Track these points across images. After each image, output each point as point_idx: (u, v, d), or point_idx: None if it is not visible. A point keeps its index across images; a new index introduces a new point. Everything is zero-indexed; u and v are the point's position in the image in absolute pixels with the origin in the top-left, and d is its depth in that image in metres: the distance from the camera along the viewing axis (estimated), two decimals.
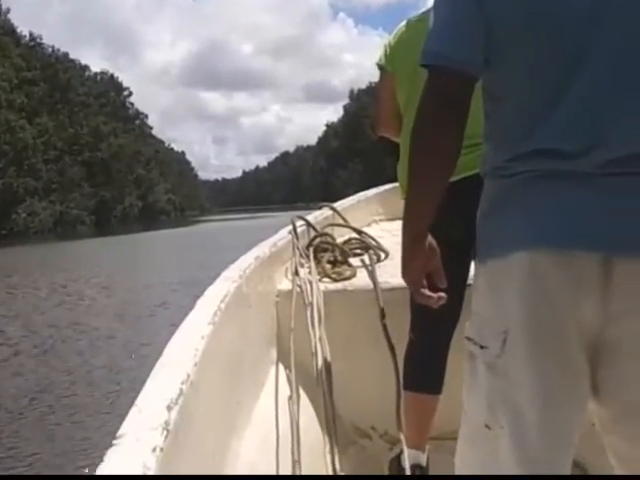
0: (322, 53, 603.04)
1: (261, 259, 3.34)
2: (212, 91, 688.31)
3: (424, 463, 2.88)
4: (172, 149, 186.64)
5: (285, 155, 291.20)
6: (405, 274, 1.86)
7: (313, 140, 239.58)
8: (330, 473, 2.34)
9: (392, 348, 2.99)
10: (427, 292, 1.85)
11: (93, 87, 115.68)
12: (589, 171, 1.53)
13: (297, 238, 3.98)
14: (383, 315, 3.10)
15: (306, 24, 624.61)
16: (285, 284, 3.56)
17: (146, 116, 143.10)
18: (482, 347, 1.66)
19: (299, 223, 4.28)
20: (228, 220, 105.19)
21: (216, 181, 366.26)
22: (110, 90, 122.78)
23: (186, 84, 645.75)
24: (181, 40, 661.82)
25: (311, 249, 3.91)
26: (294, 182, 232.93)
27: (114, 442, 1.41)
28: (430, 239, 1.84)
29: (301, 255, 3.79)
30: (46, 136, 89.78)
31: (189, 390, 1.73)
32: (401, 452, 2.86)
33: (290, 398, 2.81)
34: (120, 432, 1.46)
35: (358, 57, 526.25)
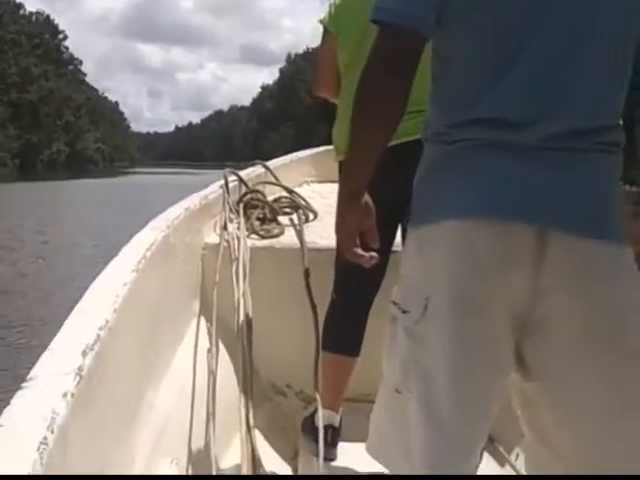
0: (262, 16, 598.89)
1: (190, 211, 3.32)
2: (150, 44, 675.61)
3: (337, 424, 2.92)
4: (105, 98, 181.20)
5: (219, 114, 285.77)
6: (339, 230, 1.82)
7: (247, 101, 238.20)
8: (244, 427, 2.36)
9: (314, 308, 3.01)
10: (359, 251, 1.82)
11: (26, 27, 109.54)
12: (530, 144, 1.53)
13: (228, 193, 3.96)
14: (307, 275, 3.12)
15: None
16: (213, 238, 3.54)
17: (80, 62, 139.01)
18: (404, 312, 1.66)
19: (231, 178, 4.25)
20: (157, 174, 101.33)
21: (148, 134, 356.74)
22: (44, 32, 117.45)
23: (124, 34, 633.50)
24: None
25: (241, 205, 3.89)
26: (226, 141, 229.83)
27: (23, 385, 1.39)
28: (367, 198, 1.82)
29: (231, 210, 3.78)
30: None
31: (106, 336, 1.70)
32: (315, 411, 2.90)
33: (209, 351, 2.82)
34: (30, 375, 1.43)
35: (297, 23, 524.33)
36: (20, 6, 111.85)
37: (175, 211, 3.20)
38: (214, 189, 4.02)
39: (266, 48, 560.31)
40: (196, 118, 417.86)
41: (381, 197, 2.79)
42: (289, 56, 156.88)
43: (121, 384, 1.94)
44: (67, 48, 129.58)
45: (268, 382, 3.48)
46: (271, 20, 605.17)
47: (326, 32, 3.12)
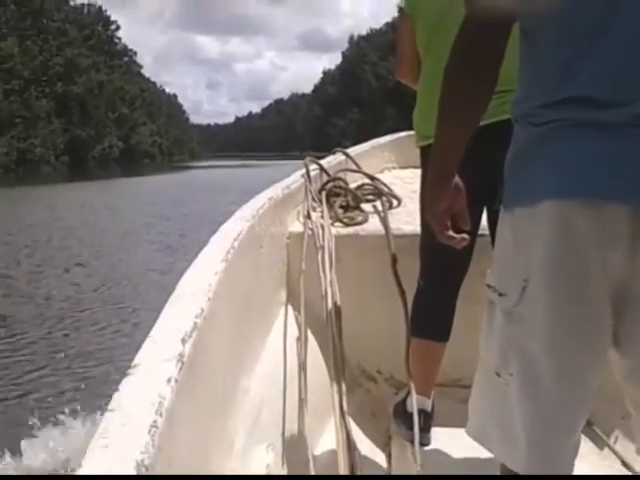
0: (319, 1, 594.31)
1: (274, 200, 3.34)
2: (207, 35, 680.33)
3: (429, 409, 2.90)
4: (163, 90, 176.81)
5: (279, 102, 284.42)
6: (430, 212, 1.83)
7: (307, 89, 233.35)
8: (337, 413, 2.37)
9: (402, 293, 3.01)
10: (450, 232, 1.82)
11: (77, 18, 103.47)
12: (622, 122, 1.48)
13: (310, 182, 3.98)
14: (395, 261, 3.12)
15: None
16: (297, 227, 3.56)
17: (135, 53, 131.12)
18: (501, 295, 1.64)
19: (312, 167, 4.26)
20: (218, 167, 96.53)
21: (208, 126, 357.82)
22: (96, 22, 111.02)
23: (181, 27, 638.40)
24: None
25: (323, 193, 3.91)
26: (287, 130, 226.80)
27: (128, 372, 1.43)
28: (457, 179, 1.82)
29: (313, 199, 3.81)
30: (10, 63, 77.98)
31: (203, 324, 1.74)
32: (407, 396, 2.90)
33: (298, 339, 2.84)
34: (134, 362, 1.47)
35: (355, 7, 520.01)
36: None
37: (259, 201, 3.23)
38: (296, 178, 4.03)
39: (324, 34, 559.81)
40: (256, 108, 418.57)
41: (467, 179, 2.78)
42: (351, 38, 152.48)
43: (217, 370, 1.99)
44: (120, 39, 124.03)
45: (358, 368, 3.49)
46: (328, 5, 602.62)
47: (403, 15, 3.07)
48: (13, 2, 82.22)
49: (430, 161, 1.86)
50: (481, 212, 2.85)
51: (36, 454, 6.28)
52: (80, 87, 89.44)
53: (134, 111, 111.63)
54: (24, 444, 6.42)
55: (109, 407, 1.29)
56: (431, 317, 2.93)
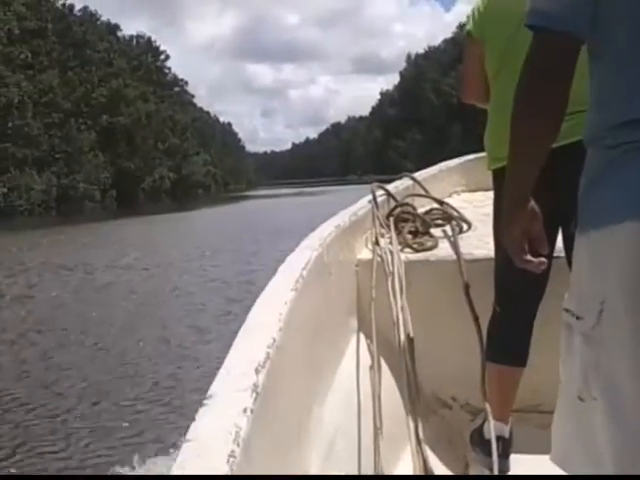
0: (371, 24, 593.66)
1: (341, 228, 3.33)
2: (259, 63, 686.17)
3: (507, 435, 2.86)
4: (217, 120, 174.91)
5: (336, 126, 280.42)
6: (507, 237, 1.83)
7: (363, 112, 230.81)
8: (413, 440, 2.35)
9: (476, 319, 2.97)
10: (528, 257, 1.81)
11: (126, 50, 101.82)
12: None
13: (377, 207, 3.96)
14: (467, 286, 3.09)
15: None
16: (365, 253, 3.55)
17: (186, 83, 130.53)
18: (578, 318, 1.62)
19: (379, 193, 4.25)
20: (275, 197, 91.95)
21: (265, 154, 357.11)
22: (145, 53, 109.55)
23: (233, 57, 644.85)
24: (226, 12, 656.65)
25: (391, 219, 3.90)
26: (346, 154, 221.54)
27: (204, 402, 1.44)
28: (533, 203, 1.82)
29: (381, 225, 3.78)
30: (50, 96, 72.77)
31: (275, 354, 1.74)
32: (484, 423, 2.86)
33: (371, 367, 2.82)
34: (210, 392, 1.48)
35: (408, 28, 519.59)
36: (116, 27, 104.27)
37: (326, 229, 3.23)
38: (363, 204, 4.02)
39: (378, 56, 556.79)
40: (312, 133, 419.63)
41: (541, 201, 2.75)
42: (409, 57, 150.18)
43: (291, 400, 1.99)
44: (170, 69, 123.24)
45: (432, 395, 3.45)
46: (381, 27, 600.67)
47: (470, 39, 3.07)
48: (53, 34, 77.67)
49: (505, 186, 1.85)
50: (556, 234, 2.82)
51: None
52: (127, 118, 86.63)
53: (185, 141, 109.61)
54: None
55: (186, 437, 1.30)
56: (508, 342, 2.90)
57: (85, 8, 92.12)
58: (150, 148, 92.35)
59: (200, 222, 43.05)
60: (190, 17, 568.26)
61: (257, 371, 1.59)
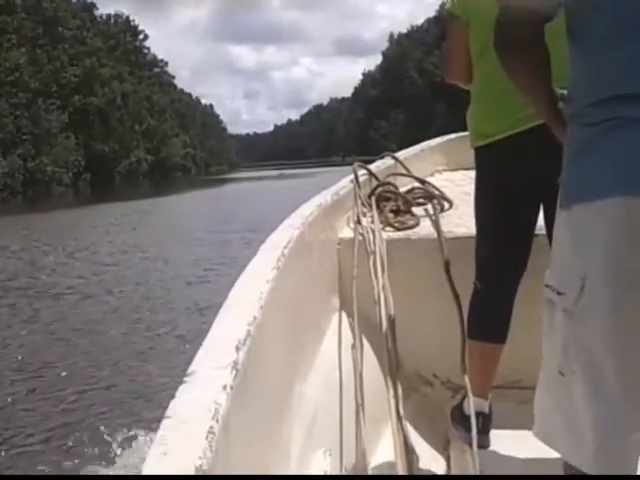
0: (353, 5, 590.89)
1: (323, 207, 3.33)
2: (241, 45, 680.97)
3: (487, 411, 2.88)
4: (198, 101, 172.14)
5: (318, 108, 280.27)
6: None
7: (346, 94, 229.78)
8: (394, 418, 2.36)
9: (457, 296, 2.98)
10: None
11: (102, 29, 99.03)
12: None
13: (359, 187, 3.97)
14: (447, 264, 3.10)
15: None
16: (347, 232, 3.56)
17: (166, 64, 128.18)
18: (559, 293, 1.65)
19: (361, 172, 4.26)
20: (257, 180, 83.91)
21: (247, 136, 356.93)
22: (123, 32, 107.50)
23: (214, 38, 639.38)
24: None
25: (373, 198, 3.91)
26: (328, 136, 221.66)
27: (185, 379, 1.44)
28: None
29: (363, 204, 3.80)
30: (15, 74, 68.39)
31: (256, 331, 1.75)
32: (463, 399, 2.88)
33: (353, 345, 2.83)
34: (190, 370, 1.49)
35: (390, 9, 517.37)
36: (92, 5, 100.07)
37: (308, 208, 3.22)
38: (345, 184, 4.03)
39: (360, 38, 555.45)
40: (295, 115, 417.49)
41: (523, 178, 2.78)
42: (391, 36, 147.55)
43: (272, 377, 1.99)
44: (149, 49, 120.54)
45: (414, 373, 3.48)
46: (363, 8, 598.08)
47: (453, 19, 3.05)
48: (22, 10, 73.94)
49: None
50: (537, 211, 2.84)
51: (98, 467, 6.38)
52: (101, 99, 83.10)
53: (164, 122, 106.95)
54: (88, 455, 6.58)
55: (166, 414, 1.30)
56: (488, 319, 2.92)
57: None
58: (126, 130, 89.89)
59: (176, 210, 37.54)
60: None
61: (237, 348, 1.59)
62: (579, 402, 1.62)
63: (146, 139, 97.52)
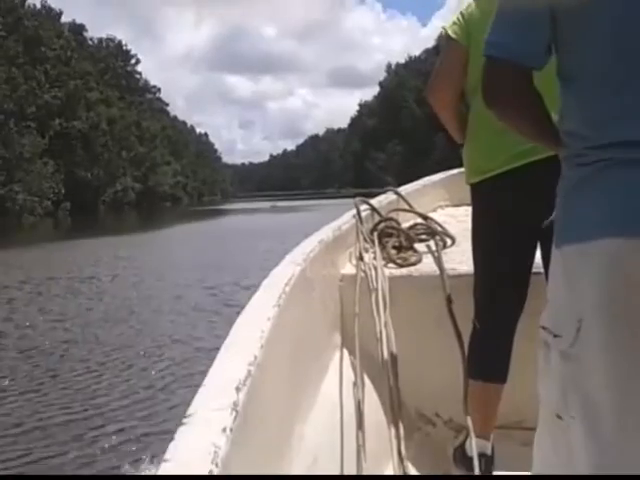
0: (348, 37, 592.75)
1: (325, 243, 3.33)
2: (237, 75, 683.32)
3: (489, 452, 2.86)
4: (192, 129, 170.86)
5: (314, 138, 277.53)
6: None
7: (341, 125, 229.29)
8: (395, 457, 2.34)
9: (459, 335, 2.97)
10: None
11: (93, 52, 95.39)
12: None
13: (361, 222, 3.97)
14: (450, 302, 3.09)
15: (332, 7, 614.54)
16: (349, 269, 3.55)
17: (159, 90, 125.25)
18: (556, 336, 1.63)
19: (363, 207, 4.26)
20: (250, 212, 77.32)
21: (243, 165, 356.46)
22: (114, 57, 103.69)
23: (210, 68, 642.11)
24: (204, 23, 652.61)
25: (375, 234, 3.90)
26: (324, 167, 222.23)
27: (184, 421, 1.43)
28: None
29: (365, 240, 3.78)
30: None
31: (256, 371, 1.74)
32: (466, 440, 2.86)
33: (355, 383, 2.81)
34: (189, 411, 1.47)
35: (386, 41, 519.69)
36: (81, 27, 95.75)
37: (310, 244, 3.22)
38: (347, 219, 4.03)
39: (355, 69, 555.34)
40: (291, 145, 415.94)
41: (520, 216, 2.77)
42: (389, 66, 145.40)
43: (272, 418, 1.98)
44: (140, 74, 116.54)
45: (416, 412, 3.45)
46: (358, 40, 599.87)
47: (453, 42, 3.00)
48: (2, 27, 69.03)
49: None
50: (535, 249, 2.83)
51: None
52: (84, 123, 77.51)
53: (154, 150, 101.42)
54: None
55: (165, 457, 1.29)
56: (488, 358, 2.90)
57: (43, 3, 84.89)
58: (112, 156, 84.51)
59: (161, 251, 29.74)
60: (168, 28, 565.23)
61: (237, 389, 1.58)
62: (577, 446, 1.59)
63: (134, 166, 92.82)
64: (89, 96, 79.79)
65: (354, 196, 4.69)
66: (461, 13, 3.00)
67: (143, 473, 6.52)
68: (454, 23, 3.00)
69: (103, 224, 58.41)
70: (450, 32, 2.99)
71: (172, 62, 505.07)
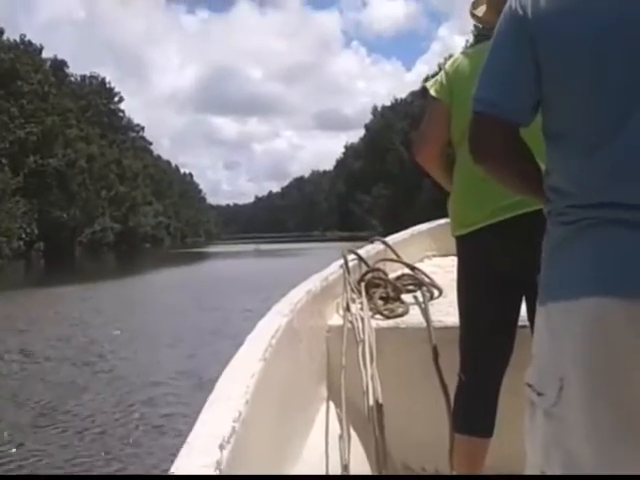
0: (333, 81, 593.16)
1: (312, 293, 3.32)
2: (223, 116, 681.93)
3: None
4: (177, 169, 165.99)
5: (300, 180, 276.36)
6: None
7: (327, 167, 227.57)
8: None
9: (445, 388, 2.97)
10: None
11: (74, 89, 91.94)
12: None
13: (348, 272, 3.97)
14: (436, 355, 3.09)
15: (318, 51, 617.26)
16: (336, 319, 3.55)
17: (142, 129, 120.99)
18: (539, 394, 1.64)
19: (350, 257, 4.27)
20: (233, 256, 70.17)
21: (228, 207, 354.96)
22: (97, 94, 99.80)
23: (196, 109, 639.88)
24: (190, 64, 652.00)
25: (363, 284, 3.91)
26: (309, 209, 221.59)
27: None
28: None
29: (352, 290, 3.79)
30: None
31: (241, 428, 1.72)
32: None
33: (341, 437, 2.79)
34: (172, 470, 1.46)
35: (370, 85, 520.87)
36: (62, 63, 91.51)
37: (297, 294, 3.21)
38: (334, 269, 4.03)
39: (341, 113, 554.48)
40: (276, 187, 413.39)
41: (505, 269, 2.77)
42: (375, 109, 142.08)
43: (257, 473, 1.95)
44: (123, 112, 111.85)
45: (402, 464, 3.41)
46: (343, 84, 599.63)
47: (435, 101, 3.02)
48: None
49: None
50: (520, 302, 2.83)
51: None
52: (60, 160, 73.50)
53: (136, 189, 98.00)
54: None
55: None
56: (473, 413, 2.88)
57: (22, 38, 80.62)
58: (91, 195, 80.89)
59: (138, 306, 24.71)
60: (154, 69, 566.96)
61: (221, 447, 1.57)
62: None
63: (114, 206, 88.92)
64: (68, 133, 76.93)
65: (340, 239, 4.68)
66: (445, 71, 3.03)
67: None
68: (436, 81, 3.03)
69: (79, 267, 55.99)
70: (432, 92, 3.02)
71: (158, 102, 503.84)
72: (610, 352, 1.52)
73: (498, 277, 2.79)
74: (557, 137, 1.70)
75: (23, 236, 65.67)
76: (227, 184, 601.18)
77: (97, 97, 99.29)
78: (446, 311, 3.56)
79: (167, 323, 19.87)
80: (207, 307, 22.49)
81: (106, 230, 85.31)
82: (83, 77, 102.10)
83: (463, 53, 3.09)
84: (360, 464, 2.78)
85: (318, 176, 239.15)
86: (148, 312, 22.80)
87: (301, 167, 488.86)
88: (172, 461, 1.52)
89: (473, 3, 3.02)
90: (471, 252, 2.93)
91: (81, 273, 46.42)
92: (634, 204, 1.52)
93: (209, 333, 17.19)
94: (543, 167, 1.78)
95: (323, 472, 2.63)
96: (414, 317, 3.59)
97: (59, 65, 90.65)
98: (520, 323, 2.82)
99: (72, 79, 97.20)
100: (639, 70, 1.55)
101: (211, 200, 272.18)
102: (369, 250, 4.85)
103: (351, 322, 3.35)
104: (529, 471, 1.74)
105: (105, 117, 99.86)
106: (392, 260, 4.80)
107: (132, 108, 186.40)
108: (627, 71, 1.56)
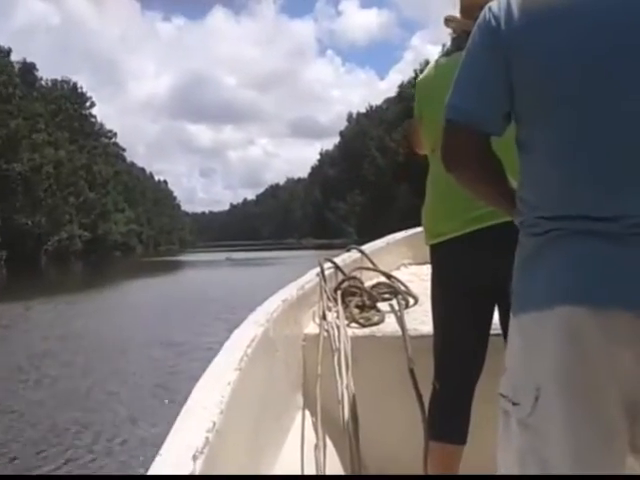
0: (308, 89, 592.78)
1: (288, 302, 3.33)
2: (198, 123, 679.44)
3: None
4: (151, 176, 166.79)
5: (274, 188, 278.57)
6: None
7: (302, 175, 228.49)
8: None
9: (420, 396, 2.98)
10: None
11: (45, 93, 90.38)
12: (620, 232, 1.54)
13: (325, 281, 3.98)
14: (411, 363, 3.09)
15: (292, 59, 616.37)
16: (312, 328, 3.55)
17: (115, 134, 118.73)
18: (514, 404, 1.65)
19: (327, 265, 4.28)
20: (206, 265, 66.95)
21: (203, 214, 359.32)
22: (67, 99, 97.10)
23: (172, 116, 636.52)
24: (166, 71, 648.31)
25: (339, 292, 3.92)
26: (284, 216, 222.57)
27: None
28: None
29: (329, 299, 3.80)
30: None
31: (215, 438, 1.72)
32: None
33: (316, 446, 2.79)
34: None
35: (345, 94, 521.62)
36: (32, 66, 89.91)
37: (273, 303, 3.21)
38: (310, 277, 4.03)
39: (315, 120, 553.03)
40: (251, 195, 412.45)
41: (475, 277, 2.78)
42: (350, 116, 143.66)
43: None
44: (95, 117, 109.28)
45: (377, 472, 3.42)
46: (318, 92, 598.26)
47: (413, 120, 3.12)
48: None
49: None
50: (492, 311, 2.84)
51: None
52: (25, 165, 70.99)
53: (106, 196, 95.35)
54: None
55: None
56: (447, 420, 2.89)
57: None
58: (58, 201, 77.98)
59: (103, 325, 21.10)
60: (129, 75, 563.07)
61: (195, 457, 1.57)
62: None
63: (82, 213, 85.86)
64: (35, 137, 74.39)
65: (315, 247, 4.68)
66: (417, 84, 3.11)
67: None
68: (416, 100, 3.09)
69: (44, 276, 53.85)
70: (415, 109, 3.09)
71: (134, 109, 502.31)
72: (584, 361, 1.53)
73: (470, 287, 2.80)
74: (526, 148, 1.72)
75: None
76: (202, 192, 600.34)
77: (68, 102, 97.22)
78: (421, 320, 3.57)
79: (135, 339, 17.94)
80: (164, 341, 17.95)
81: (74, 238, 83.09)
82: (54, 81, 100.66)
83: (435, 63, 3.10)
84: (335, 472, 2.78)
85: (293, 183, 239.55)
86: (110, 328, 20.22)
87: (276, 174, 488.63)
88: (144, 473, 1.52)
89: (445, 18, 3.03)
90: (442, 261, 2.95)
91: (46, 283, 44.32)
92: (603, 216, 1.55)
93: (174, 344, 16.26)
94: (513, 181, 1.81)
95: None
96: (390, 325, 3.60)
97: (28, 68, 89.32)
98: (493, 331, 2.83)
99: (43, 83, 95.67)
100: (602, 82, 1.58)
101: (186, 207, 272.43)
102: (345, 258, 4.87)
103: (327, 331, 3.36)
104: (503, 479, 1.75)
105: (76, 122, 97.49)
106: (368, 268, 4.82)
107: (107, 115, 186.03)
108: (591, 83, 1.58)
